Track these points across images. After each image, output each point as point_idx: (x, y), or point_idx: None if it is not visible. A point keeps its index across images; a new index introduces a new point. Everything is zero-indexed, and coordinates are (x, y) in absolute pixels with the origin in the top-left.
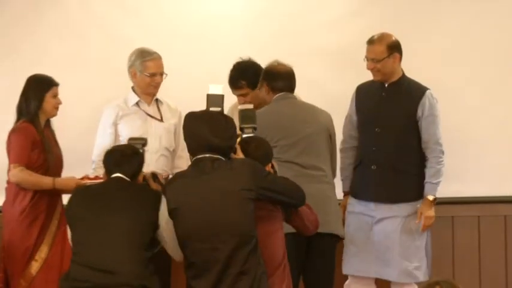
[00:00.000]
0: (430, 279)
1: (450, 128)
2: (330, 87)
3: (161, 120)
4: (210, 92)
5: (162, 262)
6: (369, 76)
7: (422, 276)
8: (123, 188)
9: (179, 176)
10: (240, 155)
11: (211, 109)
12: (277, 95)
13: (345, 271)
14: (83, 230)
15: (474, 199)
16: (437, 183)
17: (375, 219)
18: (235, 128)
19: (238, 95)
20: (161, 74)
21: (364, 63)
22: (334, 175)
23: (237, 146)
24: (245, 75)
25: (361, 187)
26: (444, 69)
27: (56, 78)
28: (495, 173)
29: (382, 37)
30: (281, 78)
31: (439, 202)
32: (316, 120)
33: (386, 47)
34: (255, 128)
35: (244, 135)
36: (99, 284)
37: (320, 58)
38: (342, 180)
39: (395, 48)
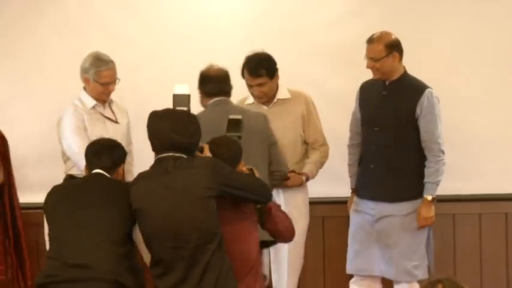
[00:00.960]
0: (432, 277)
1: (451, 126)
2: (330, 86)
3: (116, 121)
4: (176, 92)
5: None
6: (369, 76)
7: (421, 274)
8: (101, 184)
9: (142, 176)
10: (207, 154)
11: (178, 109)
12: (212, 100)
13: (348, 270)
14: (59, 226)
15: (475, 197)
16: (436, 183)
17: (375, 217)
18: (198, 126)
19: (256, 85)
20: (114, 81)
21: (364, 63)
22: (284, 176)
23: (205, 146)
24: (265, 63)
25: (362, 186)
26: (444, 69)
27: (56, 78)
28: (496, 170)
29: (381, 36)
30: (211, 82)
31: (440, 200)
32: (247, 126)
33: (385, 46)
34: (239, 137)
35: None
36: (71, 278)
37: (320, 57)
38: (350, 177)
39: (394, 47)
